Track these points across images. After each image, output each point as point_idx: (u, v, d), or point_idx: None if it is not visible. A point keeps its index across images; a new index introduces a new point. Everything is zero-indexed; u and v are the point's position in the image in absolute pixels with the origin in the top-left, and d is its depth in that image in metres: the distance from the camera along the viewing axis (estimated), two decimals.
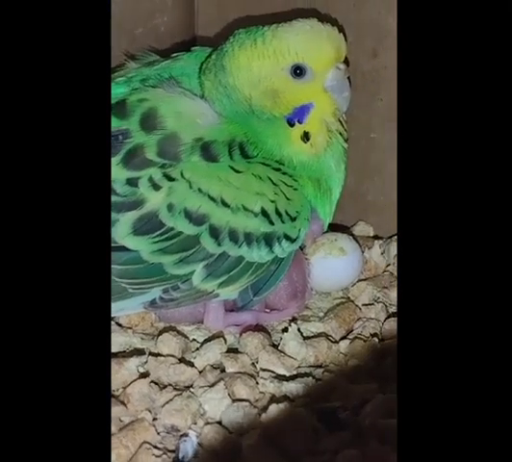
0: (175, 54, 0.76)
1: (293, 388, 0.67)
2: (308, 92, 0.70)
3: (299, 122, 0.71)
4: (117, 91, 0.71)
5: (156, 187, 0.66)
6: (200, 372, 0.68)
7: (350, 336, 0.73)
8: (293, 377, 0.68)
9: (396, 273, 0.80)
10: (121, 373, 0.66)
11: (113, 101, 0.69)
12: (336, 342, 0.73)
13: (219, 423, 0.64)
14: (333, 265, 0.77)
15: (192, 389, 0.66)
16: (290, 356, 0.70)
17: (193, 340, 0.72)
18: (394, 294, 0.78)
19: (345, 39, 0.71)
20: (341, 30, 0.71)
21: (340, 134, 0.74)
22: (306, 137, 0.72)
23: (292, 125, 0.71)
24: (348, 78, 0.72)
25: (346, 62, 0.72)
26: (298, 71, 0.69)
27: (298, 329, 0.72)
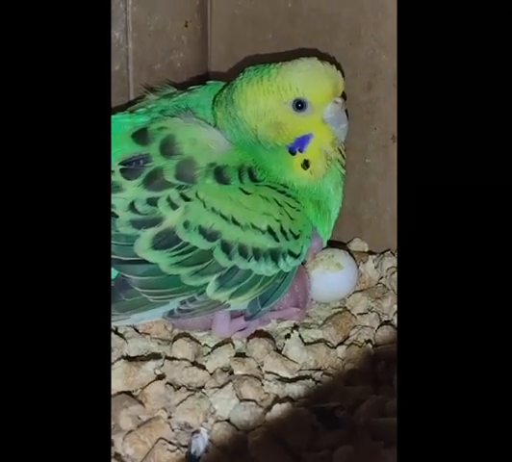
0: (191, 87, 0.76)
1: (294, 389, 0.66)
2: (308, 124, 0.70)
3: (300, 151, 0.71)
4: (139, 120, 0.71)
5: (173, 206, 0.67)
6: (211, 375, 0.68)
7: (347, 342, 0.73)
8: (294, 379, 0.68)
9: (388, 285, 0.80)
10: (140, 375, 0.66)
11: (135, 130, 0.69)
12: (334, 347, 0.72)
13: (228, 420, 0.64)
14: (331, 278, 0.77)
15: (203, 390, 0.66)
16: (292, 360, 0.70)
17: (205, 345, 0.72)
18: (386, 303, 0.78)
19: (343, 76, 0.71)
20: (338, 67, 0.71)
21: (338, 161, 0.74)
22: (306, 164, 0.72)
23: (293, 154, 0.71)
24: (346, 111, 0.73)
25: (344, 96, 0.73)
26: (299, 105, 0.70)
27: (300, 336, 0.72)
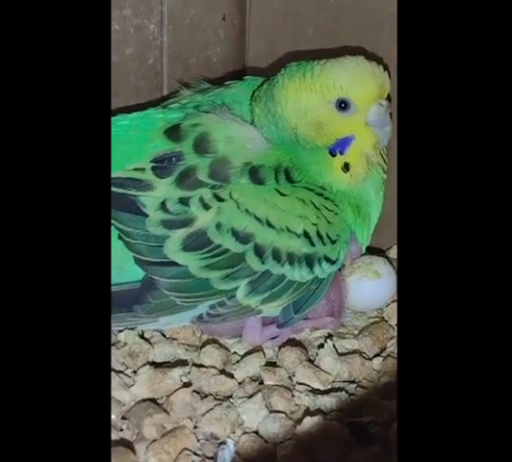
0: (228, 82, 0.76)
1: (327, 402, 0.66)
2: (351, 126, 0.70)
3: (341, 153, 0.71)
4: (172, 116, 0.71)
5: (206, 206, 0.66)
6: (240, 384, 0.68)
7: (383, 354, 0.73)
8: (327, 392, 0.68)
9: None
10: (165, 383, 0.66)
11: (167, 126, 0.69)
12: (369, 359, 0.72)
13: (256, 432, 0.63)
14: (368, 286, 0.77)
15: (231, 399, 0.66)
16: (325, 371, 0.69)
17: (234, 353, 0.71)
18: None
19: (390, 76, 0.71)
20: (386, 68, 0.71)
21: (379, 165, 0.74)
22: (346, 167, 0.71)
23: (333, 155, 0.71)
24: (390, 114, 0.72)
25: (389, 98, 0.72)
26: (343, 105, 0.69)
27: (334, 346, 0.72)
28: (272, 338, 0.72)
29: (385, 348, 0.73)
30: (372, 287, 0.77)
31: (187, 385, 0.66)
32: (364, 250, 0.76)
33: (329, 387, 0.68)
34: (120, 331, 0.71)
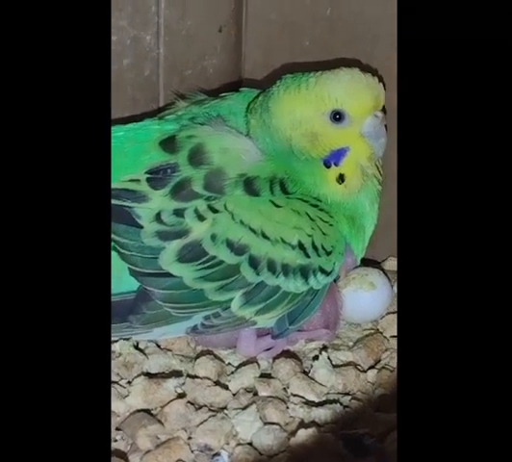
0: (224, 94, 0.77)
1: (321, 414, 0.66)
2: (345, 137, 0.71)
3: (335, 165, 0.71)
4: (167, 128, 0.72)
5: (201, 218, 0.67)
6: (234, 395, 0.68)
7: (378, 366, 0.73)
8: (321, 403, 0.68)
9: None
10: (160, 393, 0.66)
11: (163, 137, 0.70)
12: (364, 371, 0.72)
13: (250, 444, 0.64)
14: (363, 298, 0.77)
15: (225, 410, 0.66)
16: (319, 383, 0.70)
17: (229, 364, 0.72)
18: None
19: (385, 88, 0.71)
20: (381, 79, 0.71)
21: (374, 177, 0.74)
22: (341, 178, 0.72)
23: (328, 167, 0.71)
24: (385, 125, 0.72)
25: (384, 109, 0.73)
26: (337, 117, 0.70)
27: (328, 357, 0.72)
28: (267, 349, 0.72)
29: (380, 360, 0.74)
30: (368, 298, 0.77)
31: (181, 396, 0.67)
32: (359, 262, 0.77)
33: (324, 399, 0.69)
34: (115, 341, 0.71)
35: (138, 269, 0.67)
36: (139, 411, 0.66)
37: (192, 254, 0.67)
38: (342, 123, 0.70)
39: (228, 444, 0.64)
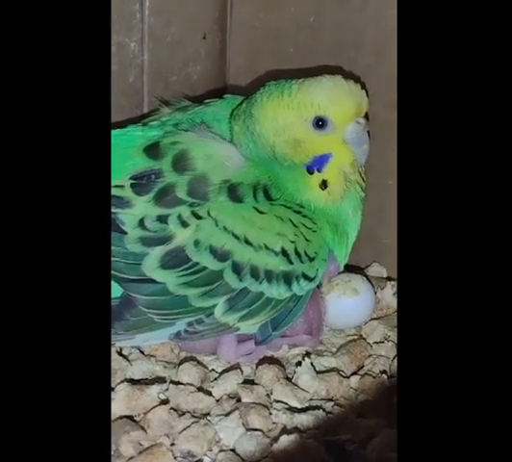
0: (208, 100, 0.77)
1: (304, 420, 0.66)
2: (328, 143, 0.71)
3: (318, 171, 0.72)
4: (151, 134, 0.72)
5: (184, 224, 0.67)
6: (217, 401, 0.68)
7: (361, 372, 0.73)
8: (304, 410, 0.68)
9: None
10: (143, 399, 0.66)
11: (147, 143, 0.70)
12: (347, 377, 0.72)
13: (233, 450, 0.64)
14: (346, 304, 0.77)
15: (208, 417, 0.66)
16: (302, 389, 0.70)
17: (212, 370, 0.72)
18: None
19: (367, 95, 0.72)
20: (363, 86, 0.72)
21: (357, 183, 0.74)
22: (324, 185, 0.72)
23: (311, 173, 0.72)
24: (368, 132, 0.73)
25: (366, 116, 0.73)
26: (320, 123, 0.70)
27: (312, 363, 0.72)
28: (248, 354, 0.72)
29: (362, 366, 0.74)
30: (351, 304, 0.77)
31: (164, 402, 0.67)
32: (342, 268, 0.77)
33: (306, 405, 0.69)
34: None
35: (121, 275, 0.67)
36: (121, 417, 0.65)
37: (176, 260, 0.67)
38: (324, 130, 0.70)
39: (211, 450, 0.64)
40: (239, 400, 0.68)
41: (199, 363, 0.71)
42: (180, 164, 0.69)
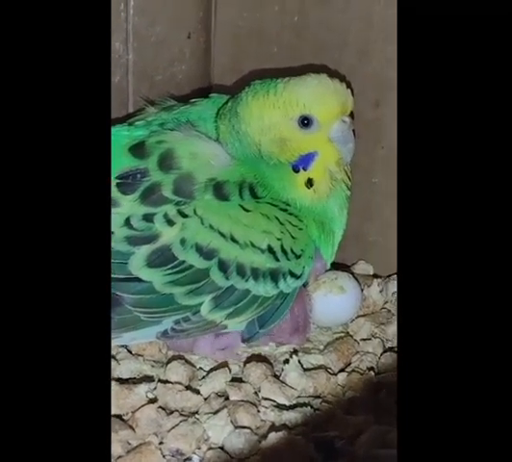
0: (194, 100, 0.77)
1: (292, 417, 0.66)
2: (313, 142, 0.71)
3: (304, 169, 0.72)
4: (137, 133, 0.72)
5: (170, 222, 0.67)
6: (205, 400, 0.68)
7: (348, 369, 0.73)
8: (292, 407, 0.68)
9: (393, 310, 0.81)
10: (131, 398, 0.66)
11: (133, 143, 0.70)
12: (334, 374, 0.73)
13: (222, 448, 0.64)
14: (333, 302, 0.77)
15: (197, 415, 0.66)
16: (290, 386, 0.70)
17: (200, 368, 0.72)
18: (390, 329, 0.78)
19: (352, 94, 0.72)
20: (348, 85, 0.72)
21: (343, 182, 0.75)
22: (310, 183, 0.72)
23: (296, 171, 0.72)
24: (353, 130, 0.73)
25: (352, 114, 0.73)
26: (305, 122, 0.70)
27: (299, 361, 0.72)
28: (223, 349, 0.72)
29: (350, 363, 0.74)
30: (338, 302, 0.77)
31: (152, 401, 0.67)
32: (328, 266, 0.77)
33: (294, 402, 0.69)
34: None
35: None
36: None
37: (162, 259, 0.67)
38: (310, 128, 0.71)
39: (200, 448, 0.64)
40: (227, 398, 0.68)
41: (187, 362, 0.71)
42: (166, 163, 0.69)
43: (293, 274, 0.71)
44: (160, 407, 0.66)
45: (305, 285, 0.75)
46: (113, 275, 0.67)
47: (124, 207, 0.67)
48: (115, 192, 0.68)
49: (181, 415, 0.66)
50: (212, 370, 0.71)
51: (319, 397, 0.70)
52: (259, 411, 0.67)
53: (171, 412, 0.66)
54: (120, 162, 0.69)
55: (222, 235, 0.68)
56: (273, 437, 0.63)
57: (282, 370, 0.72)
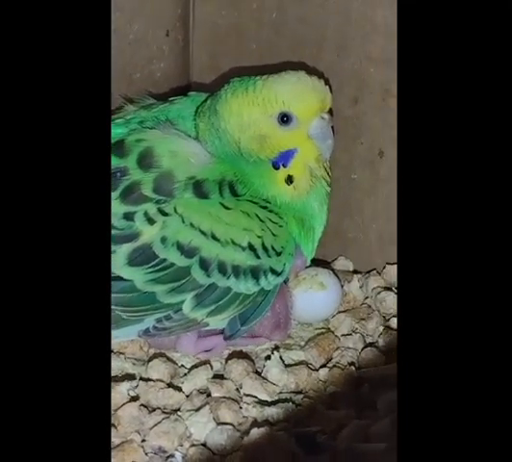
0: (172, 98, 0.77)
1: (274, 413, 0.67)
2: (293, 139, 0.71)
3: (284, 166, 0.72)
4: (116, 132, 0.72)
5: (151, 221, 0.67)
6: (187, 397, 0.68)
7: (329, 364, 0.74)
8: (274, 403, 0.68)
9: (373, 306, 0.81)
10: (113, 397, 0.66)
11: (112, 141, 0.70)
12: (316, 369, 0.73)
13: (204, 445, 0.64)
14: (314, 298, 0.78)
15: (179, 412, 0.66)
16: (272, 382, 0.70)
17: (182, 366, 0.72)
18: (371, 325, 0.78)
19: (331, 90, 0.72)
20: (327, 82, 0.72)
21: (323, 178, 0.75)
22: (290, 180, 0.73)
23: (276, 168, 0.72)
24: (332, 127, 0.74)
25: (330, 111, 0.74)
26: (285, 119, 0.71)
27: (280, 357, 0.73)
28: (207, 350, 0.73)
29: (331, 359, 0.74)
30: (318, 298, 0.78)
31: (134, 399, 0.67)
32: (309, 263, 0.78)
33: (276, 398, 0.69)
34: None
35: None
36: None
37: (143, 257, 0.67)
38: (289, 125, 0.71)
39: (182, 445, 0.64)
40: (209, 395, 0.68)
41: (169, 359, 0.72)
42: (145, 161, 0.69)
43: (273, 271, 0.71)
44: (142, 405, 0.66)
45: (286, 282, 0.75)
46: None
47: None
48: None
49: (163, 412, 0.66)
50: (193, 367, 0.71)
51: (300, 392, 0.71)
52: (241, 407, 0.67)
53: (153, 410, 0.66)
54: None
55: (203, 233, 0.68)
56: (255, 433, 0.63)
57: (263, 366, 0.72)
